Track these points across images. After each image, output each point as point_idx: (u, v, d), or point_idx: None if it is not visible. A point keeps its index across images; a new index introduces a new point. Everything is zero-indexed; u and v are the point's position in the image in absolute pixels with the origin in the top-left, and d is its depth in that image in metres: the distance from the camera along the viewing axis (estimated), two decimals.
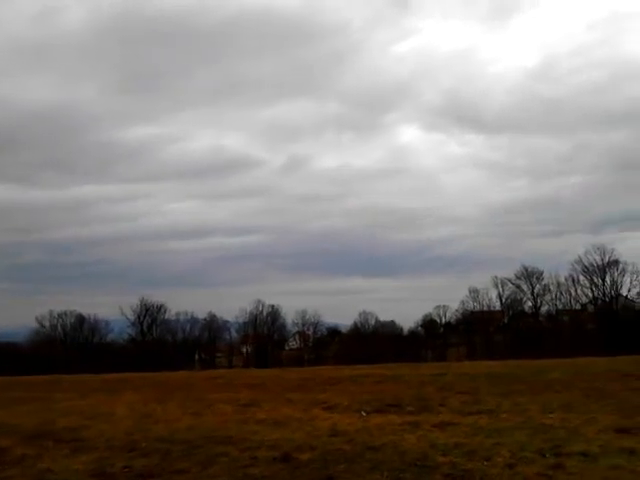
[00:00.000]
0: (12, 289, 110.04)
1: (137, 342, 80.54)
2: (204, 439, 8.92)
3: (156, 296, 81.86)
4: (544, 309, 74.58)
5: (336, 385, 16.21)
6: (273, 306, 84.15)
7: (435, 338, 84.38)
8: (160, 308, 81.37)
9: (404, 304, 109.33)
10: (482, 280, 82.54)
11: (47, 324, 79.28)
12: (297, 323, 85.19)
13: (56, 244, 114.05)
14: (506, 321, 77.09)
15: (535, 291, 73.07)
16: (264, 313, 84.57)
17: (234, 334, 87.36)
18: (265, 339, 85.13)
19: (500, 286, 74.58)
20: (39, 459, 8.10)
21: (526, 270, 72.72)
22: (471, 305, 77.16)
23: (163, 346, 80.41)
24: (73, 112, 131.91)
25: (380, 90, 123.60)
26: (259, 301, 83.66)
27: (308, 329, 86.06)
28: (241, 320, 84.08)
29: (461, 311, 79.38)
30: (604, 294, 68.80)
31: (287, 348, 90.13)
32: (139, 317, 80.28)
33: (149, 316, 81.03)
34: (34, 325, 78.62)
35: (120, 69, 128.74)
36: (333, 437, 8.82)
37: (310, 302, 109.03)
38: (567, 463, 6.76)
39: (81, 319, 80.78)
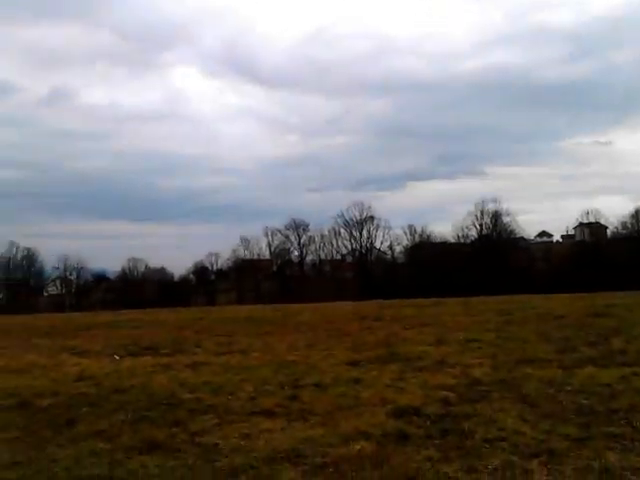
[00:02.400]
0: None
1: None
2: None
3: None
4: (309, 258, 79.99)
5: (90, 330, 15.61)
6: (29, 249, 77.14)
7: (206, 285, 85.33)
8: None
9: (175, 251, 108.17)
10: (253, 230, 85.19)
11: None
12: (58, 268, 79.33)
13: None
14: (275, 269, 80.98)
15: (301, 242, 77.87)
16: (19, 256, 77.21)
17: None
18: (19, 284, 77.99)
19: (270, 236, 77.96)
20: None
21: (294, 222, 76.95)
22: (242, 253, 79.51)
23: None
24: None
25: (158, 28, 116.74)
26: (12, 243, 75.95)
27: (71, 274, 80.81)
28: None
29: (232, 259, 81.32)
30: (361, 246, 75.94)
31: (46, 294, 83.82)
32: None
33: None
34: None
35: None
36: (79, 382, 8.57)
37: (73, 246, 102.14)
38: (302, 393, 7.48)
39: None
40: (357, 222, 74.91)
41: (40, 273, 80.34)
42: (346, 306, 26.32)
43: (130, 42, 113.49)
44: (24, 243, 77.31)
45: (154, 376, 8.89)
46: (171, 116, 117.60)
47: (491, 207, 69.08)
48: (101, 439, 5.89)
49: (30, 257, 77.94)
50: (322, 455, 5.17)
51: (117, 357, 10.93)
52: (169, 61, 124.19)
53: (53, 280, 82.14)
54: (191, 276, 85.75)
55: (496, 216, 69.36)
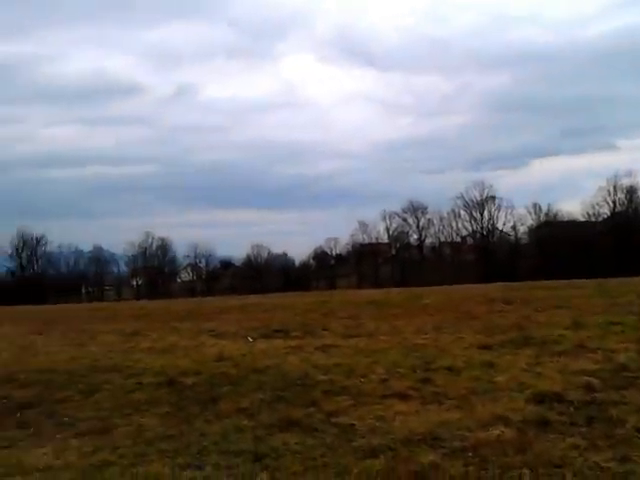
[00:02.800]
0: None
1: (15, 275, 76.33)
2: (87, 369, 8.87)
3: (35, 227, 77.34)
4: (428, 241, 78.81)
5: (224, 314, 16.46)
6: (163, 239, 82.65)
7: (326, 269, 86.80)
8: (40, 240, 77.18)
9: (296, 237, 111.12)
10: (371, 214, 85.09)
11: None
12: (189, 256, 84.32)
13: None
14: (393, 253, 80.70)
15: (420, 224, 76.84)
16: (154, 246, 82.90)
17: (123, 267, 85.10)
18: (155, 272, 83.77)
19: (388, 219, 77.68)
20: None
21: (412, 205, 76.04)
22: (360, 238, 79.92)
23: (45, 280, 76.86)
24: None
25: (271, 19, 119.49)
26: (148, 234, 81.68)
27: (200, 262, 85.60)
28: (130, 253, 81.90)
29: (351, 244, 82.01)
30: (482, 228, 73.61)
31: (179, 280, 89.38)
32: (17, 249, 75.80)
33: (28, 248, 76.71)
34: None
35: None
36: (219, 362, 9.07)
37: (202, 235, 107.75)
38: (434, 377, 7.42)
39: None
40: (477, 203, 72.75)
41: (173, 261, 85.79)
42: (472, 289, 25.73)
43: (246, 35, 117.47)
44: (159, 233, 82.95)
45: (287, 358, 9.21)
46: (288, 105, 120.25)
47: (625, 182, 64.38)
48: (243, 416, 6.19)
49: (164, 246, 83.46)
50: (460, 439, 5.09)
51: (251, 339, 11.43)
52: (283, 50, 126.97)
53: (185, 267, 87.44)
54: (311, 261, 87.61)
55: (631, 191, 64.62)
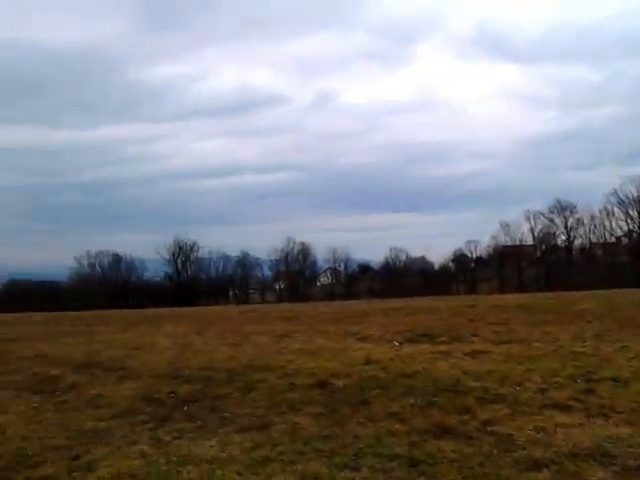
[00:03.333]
0: (49, 230, 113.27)
1: (172, 280, 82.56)
2: (243, 367, 9.35)
3: (189, 235, 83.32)
4: (577, 242, 73.83)
5: (368, 317, 16.56)
6: (304, 243, 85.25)
7: (466, 273, 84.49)
8: (193, 246, 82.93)
9: (434, 240, 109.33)
10: (514, 214, 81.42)
11: (85, 263, 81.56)
12: (328, 260, 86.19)
13: (87, 185, 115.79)
14: (539, 255, 76.59)
15: (568, 224, 72.17)
16: (295, 250, 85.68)
17: (266, 271, 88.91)
18: (297, 276, 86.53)
19: (532, 220, 73.91)
20: (90, 386, 8.60)
21: (559, 203, 71.68)
22: (502, 240, 76.80)
23: (197, 283, 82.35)
24: (98, 52, 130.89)
25: (408, 20, 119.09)
26: (290, 238, 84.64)
27: (339, 265, 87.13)
28: (273, 257, 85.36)
29: (492, 246, 79.08)
30: (639, 227, 67.54)
31: (319, 284, 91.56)
32: (173, 255, 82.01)
33: (183, 254, 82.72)
34: (73, 264, 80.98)
35: (144, 6, 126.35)
36: (367, 365, 9.12)
37: (340, 239, 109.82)
38: (598, 388, 6.91)
39: (117, 258, 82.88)
40: (634, 200, 66.79)
41: (313, 265, 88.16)
42: (632, 293, 23.69)
43: (382, 38, 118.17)
44: (299, 238, 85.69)
45: (436, 363, 9.05)
46: (425, 105, 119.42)
47: None
48: (395, 420, 6.17)
49: (304, 250, 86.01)
50: (634, 457, 4.70)
51: (397, 343, 11.40)
52: (420, 51, 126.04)
53: (324, 271, 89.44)
54: (450, 264, 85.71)
55: None
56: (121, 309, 42.61)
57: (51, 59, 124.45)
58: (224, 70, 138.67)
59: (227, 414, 6.79)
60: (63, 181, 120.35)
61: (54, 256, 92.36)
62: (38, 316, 22.36)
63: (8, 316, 23.36)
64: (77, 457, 5.47)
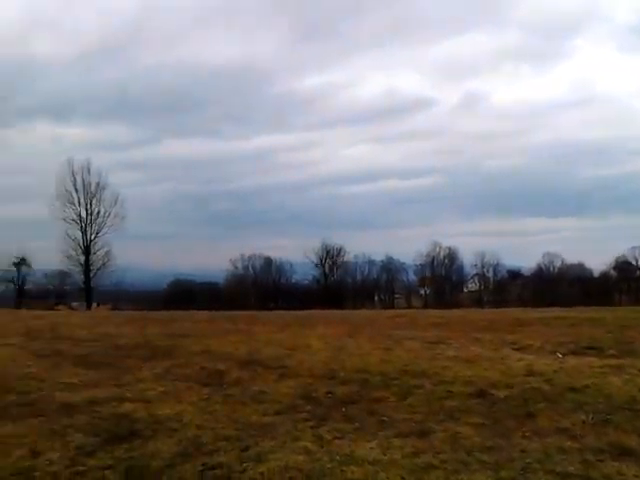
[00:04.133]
0: (210, 234, 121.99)
1: (320, 283, 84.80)
2: (398, 372, 9.32)
3: (335, 239, 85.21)
4: None
5: (525, 326, 15.77)
6: (450, 248, 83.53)
7: (630, 282, 77.64)
8: (339, 251, 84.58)
9: (593, 245, 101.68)
10: None
11: (240, 266, 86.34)
12: (475, 265, 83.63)
13: (242, 192, 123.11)
14: None
15: None
16: (441, 255, 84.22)
17: (411, 276, 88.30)
18: (443, 281, 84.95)
19: None
20: (252, 382, 9.06)
21: None
22: None
23: (343, 287, 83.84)
24: (252, 66, 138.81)
25: (562, 14, 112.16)
26: (436, 243, 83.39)
27: (487, 271, 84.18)
28: (418, 262, 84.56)
29: None
30: None
31: (465, 290, 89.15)
32: (321, 259, 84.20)
33: (330, 258, 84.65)
34: (229, 267, 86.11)
35: (294, 21, 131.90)
36: (529, 377, 8.68)
37: (488, 243, 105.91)
38: None
39: (269, 261, 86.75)
40: None
41: (460, 270, 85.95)
42: None
43: (536, 35, 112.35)
44: (446, 242, 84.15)
45: (606, 378, 8.39)
46: (583, 102, 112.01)
47: None
48: (565, 437, 5.82)
49: (451, 255, 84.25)
50: None
51: (560, 355, 10.73)
52: (578, 45, 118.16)
53: (472, 277, 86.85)
54: (612, 272, 79.21)
55: None
56: (271, 310, 44.53)
57: (210, 75, 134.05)
58: (370, 76, 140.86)
59: (385, 418, 6.81)
60: (222, 189, 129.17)
61: (213, 259, 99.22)
62: (201, 314, 24.07)
63: (176, 313, 25.40)
64: (247, 448, 5.78)
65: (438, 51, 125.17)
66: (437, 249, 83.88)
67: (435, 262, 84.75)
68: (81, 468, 5.36)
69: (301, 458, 5.42)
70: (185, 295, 78.40)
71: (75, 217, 59.87)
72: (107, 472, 5.24)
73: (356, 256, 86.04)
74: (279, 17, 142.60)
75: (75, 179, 60.01)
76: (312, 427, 6.48)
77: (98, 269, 61.61)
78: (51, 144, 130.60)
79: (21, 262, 70.60)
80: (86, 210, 60.24)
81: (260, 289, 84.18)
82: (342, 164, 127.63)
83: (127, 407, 7.49)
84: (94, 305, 62.66)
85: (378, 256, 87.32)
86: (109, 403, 7.73)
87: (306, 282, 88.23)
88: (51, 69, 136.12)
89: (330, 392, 8.19)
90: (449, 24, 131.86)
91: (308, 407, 7.40)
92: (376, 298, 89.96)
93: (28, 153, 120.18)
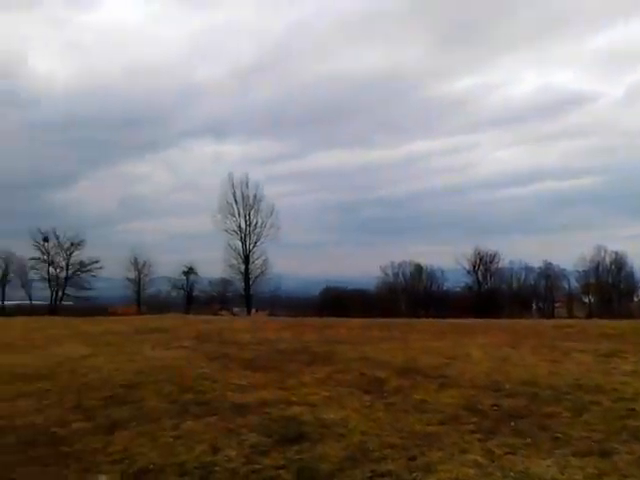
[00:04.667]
0: (359, 241, 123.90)
1: (473, 290, 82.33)
2: (570, 386, 8.72)
3: (489, 245, 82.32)
4: None
5: None
6: (617, 252, 76.98)
7: None
8: (494, 257, 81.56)
9: None
10: None
11: (390, 273, 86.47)
12: None
13: (392, 199, 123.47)
14: None
15: None
16: (607, 260, 77.93)
17: (573, 283, 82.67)
18: (610, 288, 78.47)
19: None
20: (413, 390, 8.97)
21: None
22: None
23: (498, 295, 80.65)
24: (399, 74, 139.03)
25: None
26: (600, 247, 77.32)
27: None
28: (580, 268, 78.94)
29: None
30: None
31: (636, 299, 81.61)
32: (474, 266, 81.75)
33: (483, 265, 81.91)
34: (379, 274, 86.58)
35: (439, 26, 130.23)
36: None
37: None
38: None
39: (419, 268, 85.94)
40: None
41: (630, 277, 78.91)
42: None
43: None
44: (612, 247, 77.69)
45: None
46: None
47: None
48: None
49: (618, 260, 77.70)
50: None
51: None
52: None
53: None
54: None
55: None
56: (422, 318, 43.98)
57: (358, 86, 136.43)
58: (522, 75, 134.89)
59: (559, 434, 6.40)
60: (372, 196, 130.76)
61: (364, 266, 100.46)
62: (355, 321, 24.39)
63: (330, 320, 26.01)
64: (414, 458, 5.72)
65: (594, 43, 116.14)
66: (602, 254, 77.78)
67: (600, 268, 78.56)
68: (257, 466, 5.65)
69: (472, 472, 5.26)
70: (337, 302, 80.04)
71: (235, 228, 64.09)
72: (281, 472, 5.48)
73: (511, 262, 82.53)
74: (424, 21, 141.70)
75: (235, 192, 64.27)
76: (480, 440, 6.27)
77: (256, 277, 65.26)
78: (212, 161, 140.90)
79: (189, 271, 76.85)
80: (245, 221, 64.22)
81: (411, 296, 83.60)
82: (494, 167, 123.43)
83: (294, 410, 7.77)
84: (253, 311, 66.19)
85: (535, 262, 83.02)
86: (277, 405, 8.07)
87: (458, 289, 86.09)
88: (209, 91, 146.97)
89: (496, 405, 7.87)
90: (607, 12, 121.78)
91: (474, 419, 7.17)
92: (534, 306, 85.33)
93: (192, 171, 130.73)
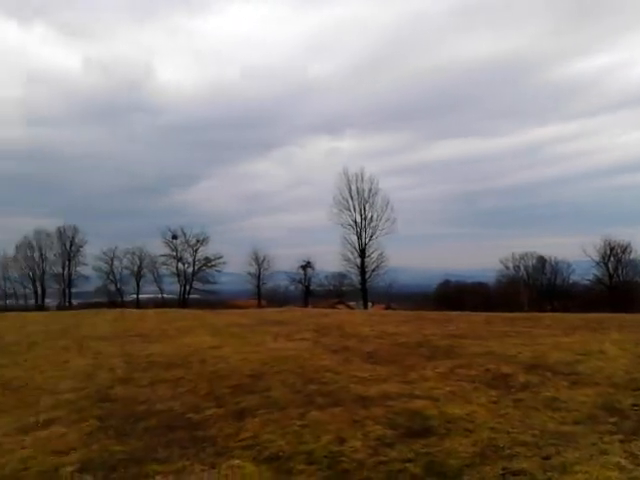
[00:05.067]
0: (476, 233, 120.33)
1: (602, 283, 77.26)
2: None
3: (619, 235, 76.77)
4: None
5: None
6: None
7: None
8: (625, 248, 76.01)
9: None
10: None
11: (510, 266, 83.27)
12: None
13: (512, 189, 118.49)
14: None
15: None
16: None
17: None
18: None
19: None
20: (542, 387, 8.55)
21: None
22: None
23: (633, 288, 75.04)
24: (515, 59, 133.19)
25: None
26: None
27: None
28: None
29: None
30: None
31: None
32: (603, 257, 76.67)
33: (614, 256, 76.58)
34: (498, 267, 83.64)
35: (553, 8, 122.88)
36: None
37: None
38: None
39: (542, 261, 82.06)
40: None
41: None
42: None
43: None
44: None
45: None
46: None
47: None
48: None
49: None
50: None
51: None
52: None
53: None
54: None
55: None
56: (546, 312, 41.87)
57: (472, 73, 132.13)
58: None
59: None
60: (491, 186, 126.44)
61: (483, 258, 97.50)
62: (476, 315, 23.71)
63: (450, 314, 25.50)
64: (548, 457, 5.47)
65: None
66: None
67: None
68: (383, 458, 5.65)
69: (614, 474, 4.94)
70: (455, 295, 78.38)
71: (351, 222, 64.59)
72: (408, 465, 5.44)
73: None
74: (536, 9, 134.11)
75: (350, 187, 64.73)
76: (621, 441, 5.86)
77: (373, 270, 65.35)
78: (326, 157, 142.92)
79: (307, 265, 78.57)
80: (360, 215, 64.51)
81: (533, 290, 79.95)
82: (623, 151, 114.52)
83: (417, 404, 7.69)
84: (369, 304, 66.41)
85: None
86: (400, 399, 8.03)
87: (586, 282, 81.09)
88: (323, 88, 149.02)
89: (637, 404, 7.32)
90: None
91: (612, 419, 6.71)
92: None
93: (307, 167, 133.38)
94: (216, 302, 66.66)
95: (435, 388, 8.67)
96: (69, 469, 6.13)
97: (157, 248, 79.48)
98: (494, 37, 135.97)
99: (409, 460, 5.54)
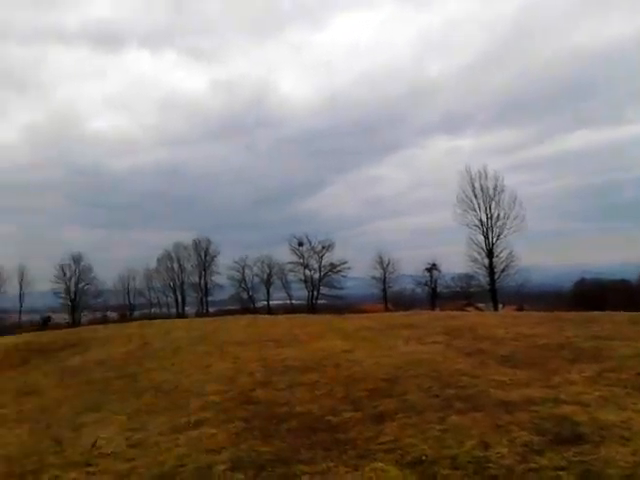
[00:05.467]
0: (614, 227, 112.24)
1: None
2: None
3: None
4: None
5: None
6: None
7: None
8: None
9: None
10: None
11: None
12: None
13: None
14: None
15: None
16: None
17: None
18: None
19: None
20: None
21: None
22: None
23: None
24: None
25: None
26: None
27: None
28: None
29: None
30: None
31: None
32: None
33: None
34: None
35: None
36: None
37: None
38: None
39: None
40: None
41: None
42: None
43: None
44: None
45: None
46: None
47: None
48: None
49: None
50: None
51: None
52: None
53: None
54: None
55: None
56: None
57: (599, 59, 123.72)
58: None
59: None
60: (627, 177, 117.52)
61: (623, 253, 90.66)
62: (621, 315, 22.04)
63: (591, 314, 23.93)
64: None
65: None
66: None
67: None
68: (533, 465, 5.43)
69: None
70: (594, 294, 73.40)
71: (477, 222, 62.62)
72: (561, 473, 5.18)
73: None
74: None
75: (474, 186, 62.85)
76: None
77: (502, 271, 62.90)
78: (445, 156, 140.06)
79: (432, 267, 77.37)
80: (486, 214, 62.39)
81: None
82: None
83: (565, 409, 7.29)
84: (499, 306, 63.99)
85: None
86: (545, 404, 7.66)
87: None
88: (442, 87, 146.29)
89: None
90: None
91: None
92: None
93: (429, 168, 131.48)
94: (343, 307, 67.50)
95: (583, 393, 8.17)
96: (221, 467, 6.49)
97: (284, 256, 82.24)
98: (627, 16, 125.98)
99: (562, 468, 5.27)
